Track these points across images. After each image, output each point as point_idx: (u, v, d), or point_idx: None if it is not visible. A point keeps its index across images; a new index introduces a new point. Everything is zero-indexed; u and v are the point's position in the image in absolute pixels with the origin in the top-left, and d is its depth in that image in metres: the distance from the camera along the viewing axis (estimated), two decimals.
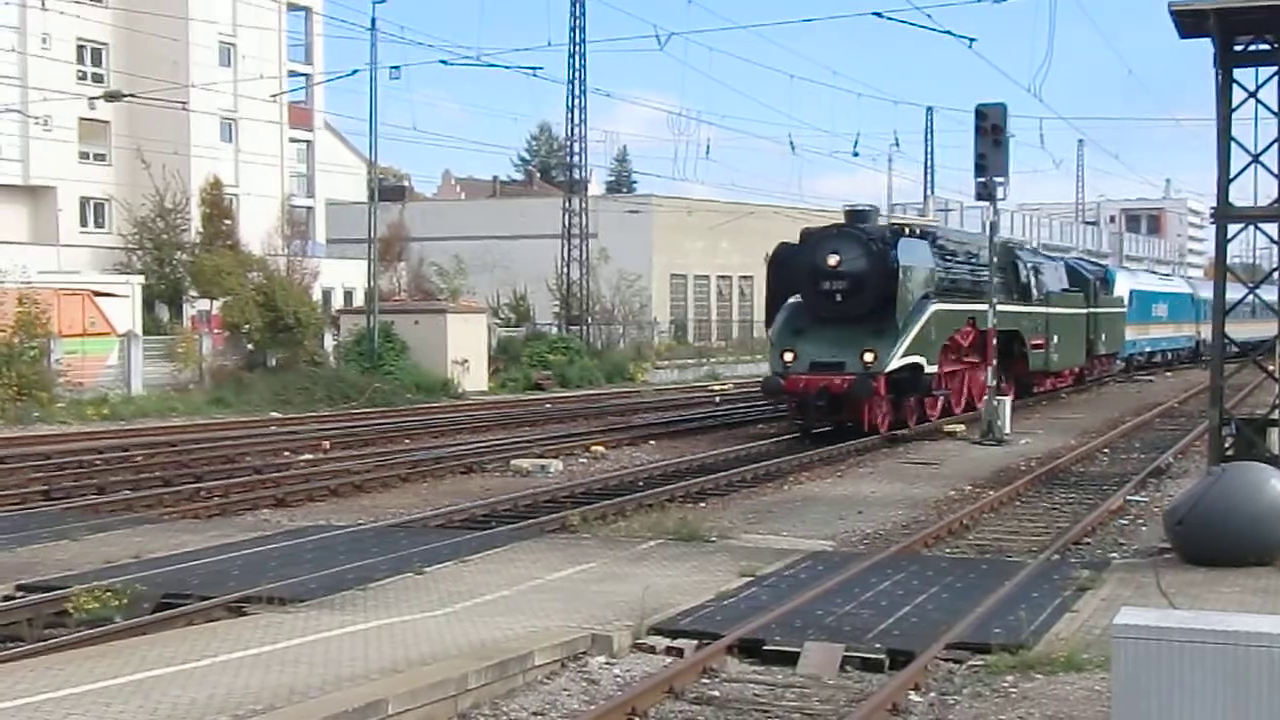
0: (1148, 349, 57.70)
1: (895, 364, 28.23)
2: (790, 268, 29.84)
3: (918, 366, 29.12)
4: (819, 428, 28.69)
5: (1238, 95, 16.72)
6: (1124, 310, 51.15)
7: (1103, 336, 46.10)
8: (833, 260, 28.69)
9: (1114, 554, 15.80)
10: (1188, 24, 16.13)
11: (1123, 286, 53.51)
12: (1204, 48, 16.49)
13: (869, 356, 27.87)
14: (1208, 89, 16.62)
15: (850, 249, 28.81)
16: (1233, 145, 16.69)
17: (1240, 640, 6.95)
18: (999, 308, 31.25)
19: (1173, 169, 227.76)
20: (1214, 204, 17.03)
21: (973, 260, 33.89)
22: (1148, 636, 7.05)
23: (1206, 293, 70.50)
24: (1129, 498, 20.19)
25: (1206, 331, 67.13)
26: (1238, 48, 16.64)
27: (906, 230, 31.12)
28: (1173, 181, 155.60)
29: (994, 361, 29.90)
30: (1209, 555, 13.69)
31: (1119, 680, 7.14)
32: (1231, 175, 16.68)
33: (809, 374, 28.15)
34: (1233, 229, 17.55)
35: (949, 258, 32.39)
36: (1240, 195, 17.13)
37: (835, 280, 28.71)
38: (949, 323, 30.94)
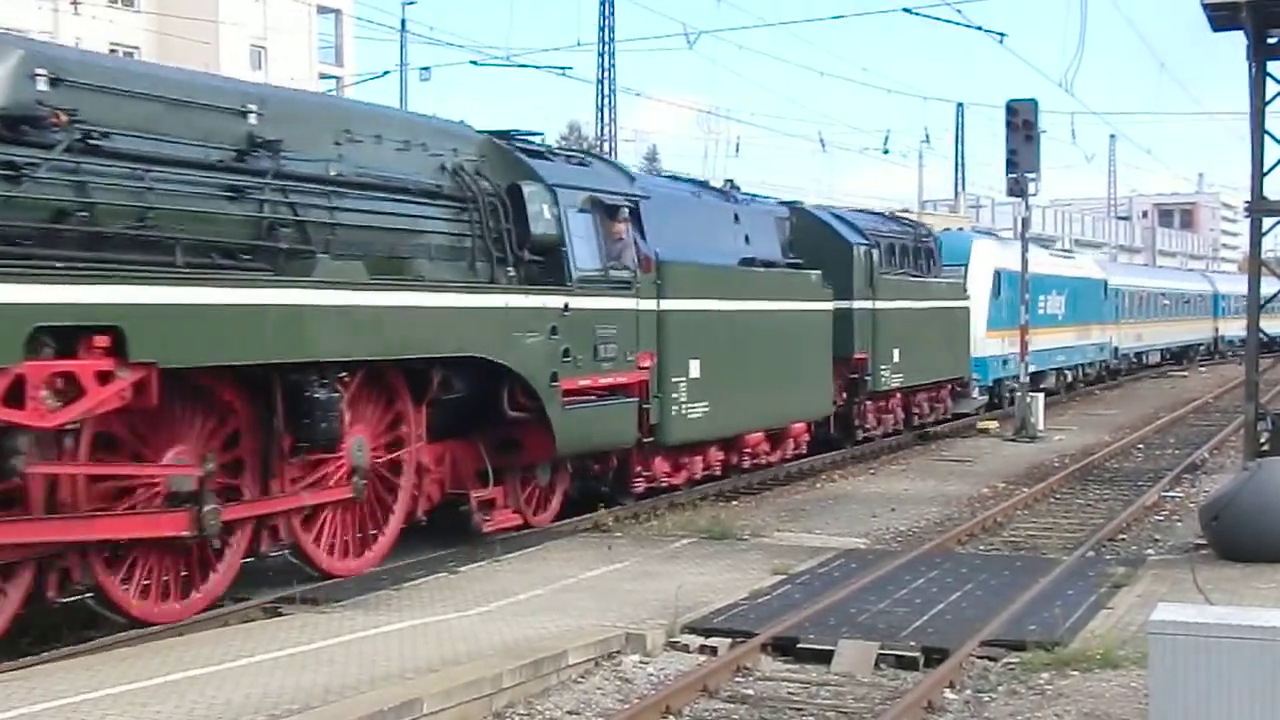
0: (1030, 366, 32.35)
1: None
2: None
3: None
4: None
5: (1271, 88, 16.63)
6: (969, 305, 29.99)
7: (895, 356, 25.20)
8: None
9: (1149, 550, 15.72)
10: (1221, 18, 16.05)
11: (982, 265, 32.40)
12: (1237, 41, 16.42)
13: None
14: (1241, 82, 16.54)
15: None
16: (1267, 138, 16.60)
17: (1278, 636, 6.91)
18: (417, 301, 13.58)
19: (1206, 163, 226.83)
20: (1248, 198, 16.93)
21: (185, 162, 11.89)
22: (1184, 633, 7.02)
23: (1122, 278, 49.25)
24: (1164, 493, 20.10)
25: (1119, 336, 46.28)
26: (1271, 40, 16.54)
27: None
28: (1206, 175, 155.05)
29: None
30: (1245, 551, 13.60)
31: (1156, 677, 7.11)
32: (1266, 169, 16.59)
33: None
34: (1267, 223, 17.45)
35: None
36: (1275, 188, 17.04)
37: None
38: None
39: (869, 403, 25.00)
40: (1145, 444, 27.54)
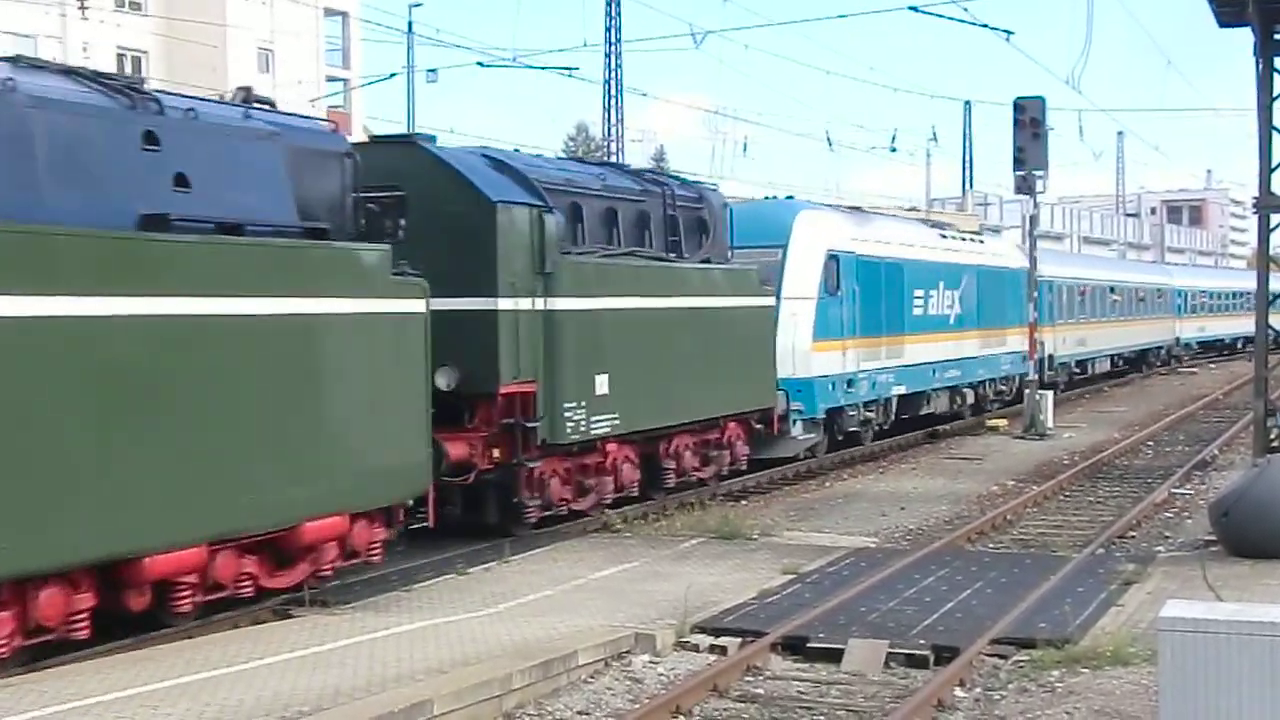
0: (896, 388, 25.72)
1: None
2: None
3: None
4: None
5: (1279, 84, 16.60)
6: (773, 304, 21.02)
7: (600, 386, 16.28)
8: None
9: (1159, 547, 15.72)
10: (1227, 13, 16.05)
11: (809, 247, 23.15)
12: (1244, 36, 16.41)
13: None
14: (1249, 78, 16.52)
15: None
16: (1274, 134, 16.58)
17: None
18: None
19: (1214, 159, 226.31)
20: (1256, 194, 16.91)
21: None
22: (1194, 629, 7.01)
23: (1056, 268, 38.48)
24: (1174, 490, 20.08)
25: (1055, 342, 36.69)
26: (1278, 36, 16.52)
27: None
28: (1214, 171, 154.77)
29: None
30: (1255, 547, 13.59)
31: (1166, 674, 7.09)
32: (1273, 164, 16.56)
33: None
34: (1275, 219, 17.43)
35: None
36: None
37: None
38: None
39: (550, 464, 15.81)
40: (1155, 441, 27.52)
